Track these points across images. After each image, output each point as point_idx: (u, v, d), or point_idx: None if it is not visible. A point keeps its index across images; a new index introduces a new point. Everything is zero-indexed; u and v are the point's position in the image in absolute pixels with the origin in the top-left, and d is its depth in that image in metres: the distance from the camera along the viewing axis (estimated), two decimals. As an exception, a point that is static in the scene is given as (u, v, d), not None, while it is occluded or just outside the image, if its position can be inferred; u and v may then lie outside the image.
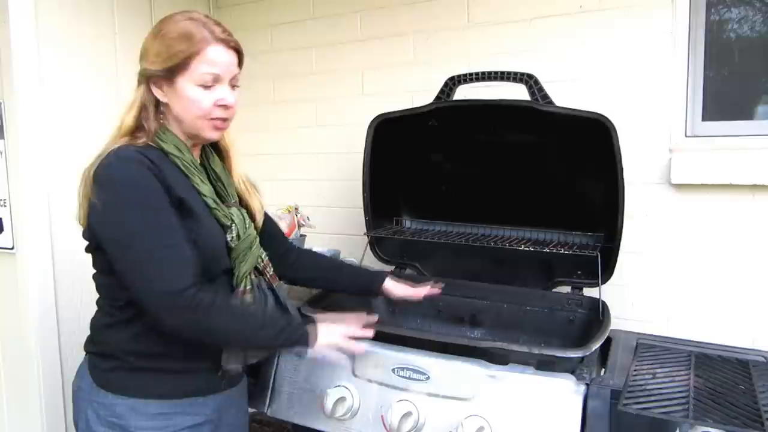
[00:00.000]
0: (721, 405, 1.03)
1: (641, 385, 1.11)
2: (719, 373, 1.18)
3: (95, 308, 1.16)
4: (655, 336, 1.45)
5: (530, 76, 1.52)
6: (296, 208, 2.00)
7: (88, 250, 1.12)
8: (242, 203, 1.23)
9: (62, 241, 1.81)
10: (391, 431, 1.19)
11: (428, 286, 1.47)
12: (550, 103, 1.49)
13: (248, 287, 1.12)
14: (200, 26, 1.06)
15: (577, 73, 1.85)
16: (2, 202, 1.82)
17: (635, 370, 1.18)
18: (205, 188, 1.11)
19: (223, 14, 2.49)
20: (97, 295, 1.14)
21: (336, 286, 1.51)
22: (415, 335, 1.33)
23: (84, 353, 1.17)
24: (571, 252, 1.56)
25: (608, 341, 1.37)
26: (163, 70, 1.06)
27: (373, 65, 2.21)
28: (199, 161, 1.17)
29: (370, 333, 1.20)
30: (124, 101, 1.13)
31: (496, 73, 1.56)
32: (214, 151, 1.22)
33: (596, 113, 1.42)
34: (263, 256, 1.20)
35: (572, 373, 1.19)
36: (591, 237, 1.64)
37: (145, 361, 1.07)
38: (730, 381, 1.15)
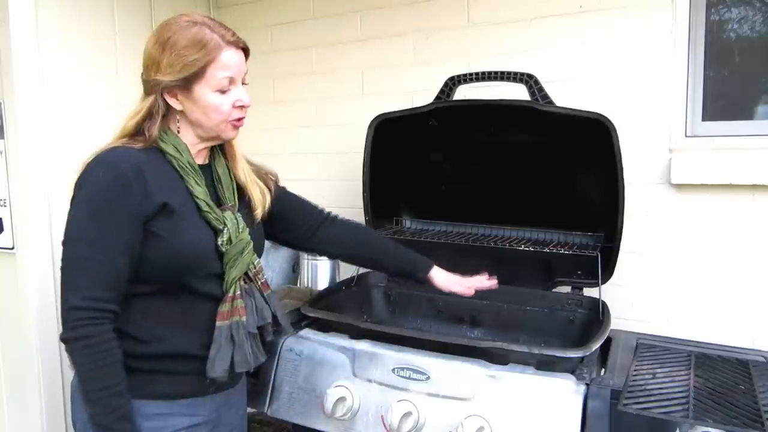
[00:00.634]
0: (721, 405, 1.03)
1: (641, 385, 1.11)
2: (719, 373, 1.18)
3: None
4: (655, 336, 1.45)
5: (530, 76, 1.52)
6: (296, 208, 1.99)
7: None
8: (245, 198, 1.22)
9: (62, 241, 1.81)
10: (391, 431, 1.19)
11: (476, 282, 1.40)
12: (550, 103, 1.49)
13: (237, 293, 1.12)
14: (209, 31, 1.05)
15: (577, 73, 1.85)
16: (2, 202, 1.82)
17: (635, 370, 1.18)
18: (199, 190, 1.10)
19: (223, 14, 2.49)
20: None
21: (377, 267, 1.48)
22: (415, 335, 1.33)
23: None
24: (571, 252, 1.56)
25: (608, 341, 1.37)
26: (179, 80, 1.05)
27: (373, 65, 2.21)
28: (206, 162, 1.17)
29: None
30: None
31: (496, 73, 1.56)
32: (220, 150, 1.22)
33: (596, 113, 1.43)
34: (255, 263, 1.19)
35: (572, 373, 1.19)
36: (591, 237, 1.64)
37: (142, 363, 1.07)
38: (730, 381, 1.15)
